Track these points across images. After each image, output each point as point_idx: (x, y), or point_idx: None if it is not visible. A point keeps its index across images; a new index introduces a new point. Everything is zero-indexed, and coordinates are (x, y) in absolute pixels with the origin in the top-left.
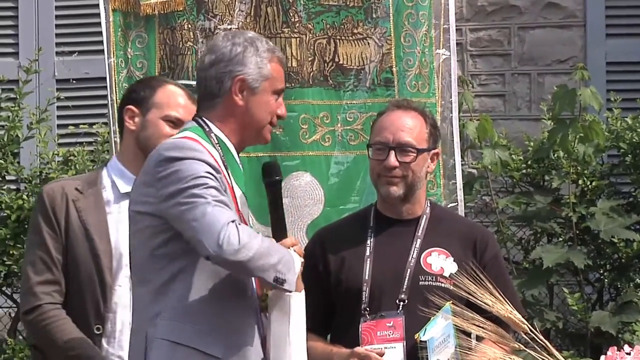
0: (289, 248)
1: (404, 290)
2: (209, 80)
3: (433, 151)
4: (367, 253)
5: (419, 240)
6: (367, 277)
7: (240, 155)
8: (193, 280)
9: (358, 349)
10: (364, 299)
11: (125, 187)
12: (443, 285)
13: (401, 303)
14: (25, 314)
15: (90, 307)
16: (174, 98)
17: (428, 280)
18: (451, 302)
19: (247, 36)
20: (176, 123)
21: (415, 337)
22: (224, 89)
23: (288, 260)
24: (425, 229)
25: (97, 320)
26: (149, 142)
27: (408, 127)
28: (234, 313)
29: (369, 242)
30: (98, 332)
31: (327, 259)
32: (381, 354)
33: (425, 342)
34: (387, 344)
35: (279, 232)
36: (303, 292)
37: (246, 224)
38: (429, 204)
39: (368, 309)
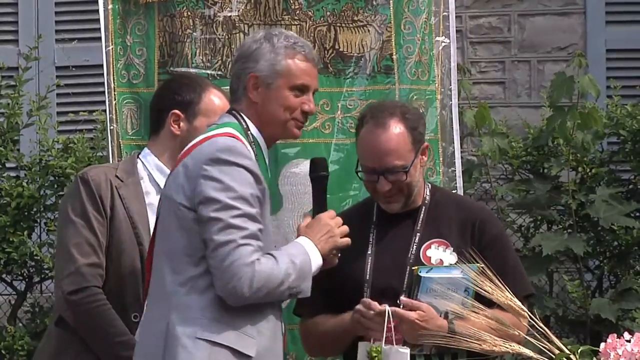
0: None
1: (404, 289)
2: (233, 77)
3: (421, 148)
4: (369, 251)
5: (418, 235)
6: (367, 277)
7: None
8: None
9: (359, 307)
10: (365, 297)
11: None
12: None
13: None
14: (70, 293)
15: (130, 295)
16: (220, 103)
17: None
18: (480, 264)
19: (268, 32)
20: None
21: (414, 269)
22: (242, 86)
23: (303, 270)
24: (425, 220)
25: (135, 308)
26: None
27: (391, 148)
28: (261, 316)
29: (370, 238)
30: (135, 320)
31: None
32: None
33: (420, 278)
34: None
35: None
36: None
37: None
38: (429, 190)
39: None
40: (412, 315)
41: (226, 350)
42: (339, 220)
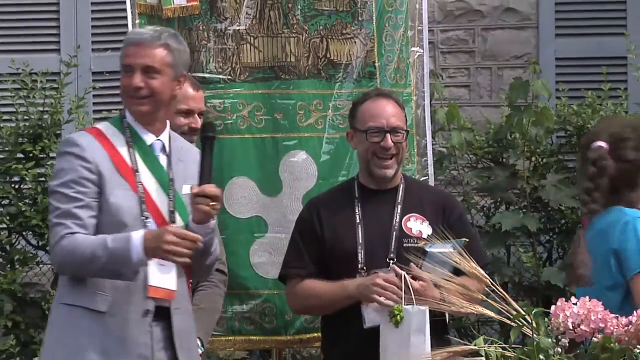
0: (207, 194)
1: (392, 250)
2: None
3: (407, 130)
4: (357, 220)
5: (399, 206)
6: (360, 241)
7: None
8: None
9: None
10: (360, 259)
11: None
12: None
13: (390, 261)
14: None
15: None
16: (191, 90)
17: (410, 242)
18: (466, 240)
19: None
20: (187, 113)
21: (422, 244)
22: None
23: (121, 256)
24: (403, 197)
25: None
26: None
27: (396, 112)
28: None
29: (357, 210)
30: None
31: (322, 226)
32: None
33: (427, 252)
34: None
35: (204, 180)
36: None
37: (147, 193)
38: (402, 176)
39: (365, 267)
40: (416, 285)
41: (81, 309)
42: (180, 241)
